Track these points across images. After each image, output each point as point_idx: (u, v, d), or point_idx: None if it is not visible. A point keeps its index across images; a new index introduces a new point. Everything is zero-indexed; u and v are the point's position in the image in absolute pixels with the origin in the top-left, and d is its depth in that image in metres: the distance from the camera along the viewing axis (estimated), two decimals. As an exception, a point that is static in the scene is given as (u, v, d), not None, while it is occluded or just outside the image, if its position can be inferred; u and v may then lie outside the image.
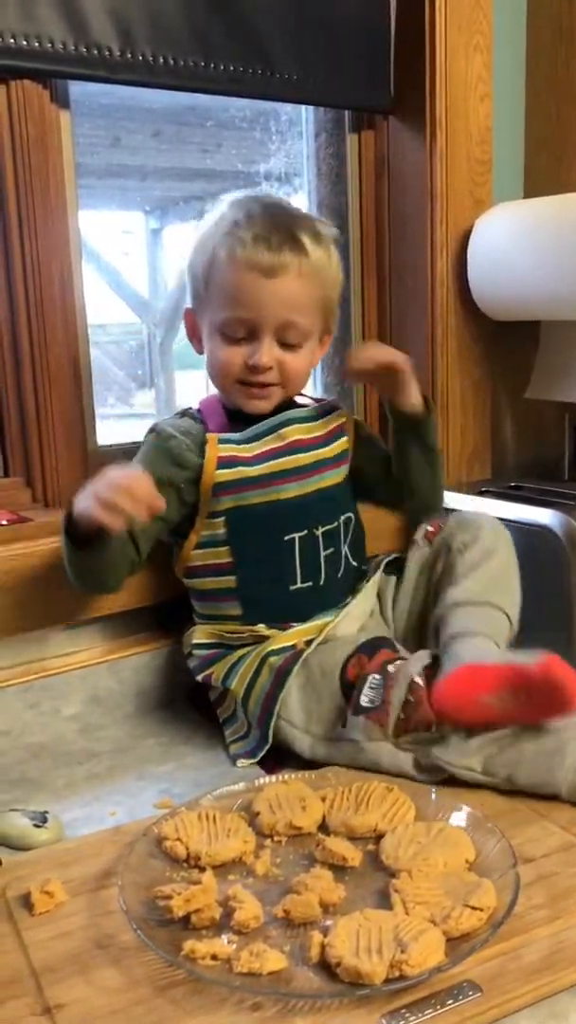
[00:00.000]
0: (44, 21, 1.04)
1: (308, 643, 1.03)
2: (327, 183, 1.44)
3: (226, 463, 1.05)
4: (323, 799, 0.89)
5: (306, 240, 1.02)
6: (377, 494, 1.17)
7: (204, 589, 1.10)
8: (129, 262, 2.03)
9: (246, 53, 1.19)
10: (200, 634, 1.10)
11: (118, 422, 1.67)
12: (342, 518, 1.11)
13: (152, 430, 1.09)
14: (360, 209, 1.43)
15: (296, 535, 1.06)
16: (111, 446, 1.25)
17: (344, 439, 1.13)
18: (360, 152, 1.41)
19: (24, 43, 1.04)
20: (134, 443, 1.19)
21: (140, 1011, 0.65)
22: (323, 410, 1.12)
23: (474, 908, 0.70)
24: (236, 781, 0.93)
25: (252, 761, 1.01)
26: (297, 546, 1.06)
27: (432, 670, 0.98)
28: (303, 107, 1.41)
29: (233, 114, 1.40)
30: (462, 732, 0.92)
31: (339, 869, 0.79)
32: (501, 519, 1.15)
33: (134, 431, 1.26)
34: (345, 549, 1.11)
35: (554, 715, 0.89)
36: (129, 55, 1.10)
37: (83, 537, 0.95)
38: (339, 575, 1.10)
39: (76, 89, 1.15)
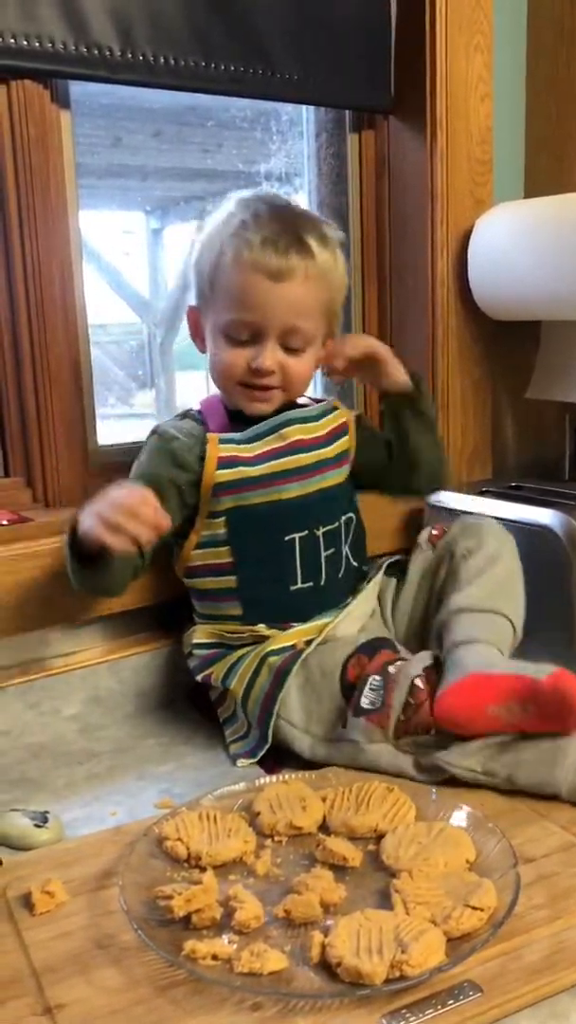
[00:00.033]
0: (45, 21, 1.04)
1: (308, 643, 1.03)
2: (328, 183, 1.44)
3: (227, 463, 1.05)
4: (324, 799, 0.89)
5: (313, 244, 1.02)
6: (385, 480, 1.17)
7: (204, 589, 1.10)
8: (130, 262, 2.03)
9: (247, 53, 1.19)
10: (200, 634, 1.10)
11: (118, 422, 1.67)
12: (343, 518, 1.11)
13: (154, 432, 1.09)
14: (361, 209, 1.43)
15: (297, 535, 1.06)
16: (111, 446, 1.25)
17: (345, 438, 1.13)
18: (361, 152, 1.41)
19: (25, 43, 1.04)
20: (134, 443, 1.19)
21: (140, 1011, 0.65)
22: (324, 410, 1.12)
23: (475, 908, 0.70)
24: (237, 781, 0.93)
25: (252, 761, 1.01)
26: (298, 546, 1.06)
27: (433, 671, 0.98)
28: (304, 107, 1.41)
29: (234, 114, 1.40)
30: None
31: (340, 869, 0.79)
32: (502, 519, 1.15)
33: (134, 431, 1.26)
34: (346, 549, 1.11)
35: (561, 728, 0.89)
36: (130, 55, 1.10)
37: (87, 554, 0.95)
38: (340, 575, 1.10)
39: (77, 89, 1.15)
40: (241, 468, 1.05)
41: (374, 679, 0.97)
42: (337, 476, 1.11)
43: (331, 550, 1.09)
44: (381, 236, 1.44)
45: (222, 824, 0.84)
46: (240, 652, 1.06)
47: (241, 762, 1.01)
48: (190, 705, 1.16)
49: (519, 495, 1.27)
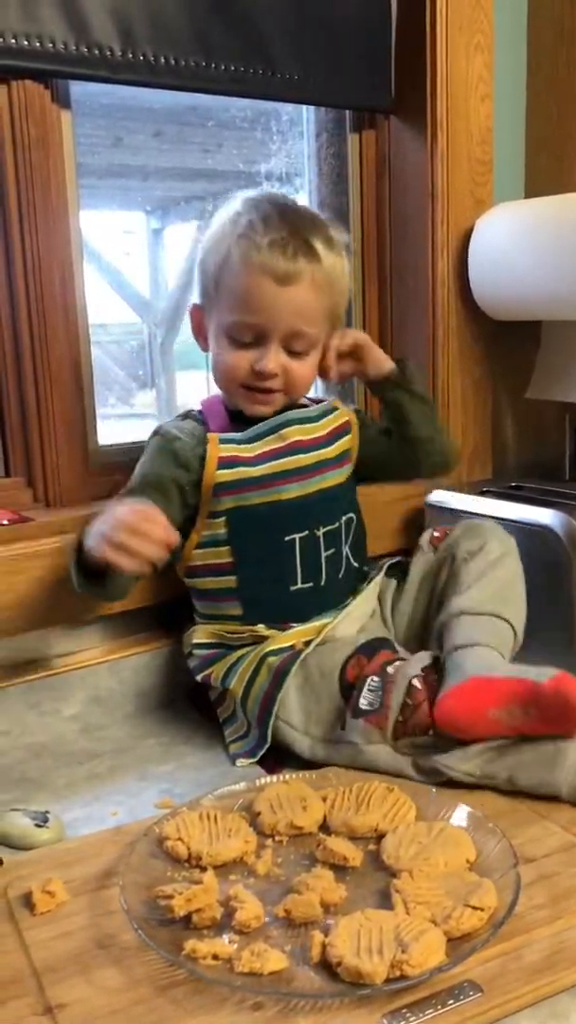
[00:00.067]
0: (45, 21, 1.04)
1: (307, 644, 1.03)
2: (328, 183, 1.44)
3: (227, 463, 1.05)
4: (324, 799, 0.89)
5: (320, 247, 1.02)
6: (392, 466, 1.17)
7: (204, 589, 1.10)
8: (130, 262, 2.03)
9: (247, 53, 1.19)
10: (200, 634, 1.10)
11: (119, 422, 1.67)
12: (343, 519, 1.11)
13: (156, 432, 1.09)
14: (361, 209, 1.43)
15: (297, 536, 1.06)
16: (112, 446, 1.25)
17: (348, 437, 1.13)
18: (361, 152, 1.41)
19: (25, 43, 1.04)
20: (135, 443, 1.19)
21: (141, 1011, 0.65)
22: (324, 411, 1.12)
23: (475, 908, 0.70)
24: (237, 781, 0.93)
25: (252, 761, 1.01)
26: (298, 547, 1.06)
27: (432, 671, 0.98)
28: (304, 107, 1.41)
29: (234, 114, 1.40)
30: None
31: (340, 869, 0.79)
32: (502, 519, 1.15)
33: (135, 431, 1.26)
34: (346, 550, 1.11)
35: (563, 731, 0.89)
36: (130, 55, 1.10)
37: (94, 569, 0.95)
38: (340, 576, 1.10)
39: (77, 89, 1.15)
40: (242, 468, 1.05)
41: (372, 680, 0.97)
42: (338, 476, 1.11)
43: (331, 550, 1.09)
44: (381, 236, 1.44)
45: (223, 824, 0.84)
46: (240, 652, 1.06)
47: (241, 762, 1.01)
48: (190, 705, 1.16)
49: (519, 495, 1.27)
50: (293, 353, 1.05)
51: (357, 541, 1.14)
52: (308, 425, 1.09)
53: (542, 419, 1.51)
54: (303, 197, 1.45)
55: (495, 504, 1.23)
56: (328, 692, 0.99)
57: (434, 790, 0.90)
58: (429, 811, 0.86)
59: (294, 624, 1.06)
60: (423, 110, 1.33)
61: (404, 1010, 0.64)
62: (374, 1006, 0.64)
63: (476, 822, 0.83)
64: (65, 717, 1.13)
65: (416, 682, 0.96)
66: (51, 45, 1.05)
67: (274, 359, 1.03)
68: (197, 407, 1.13)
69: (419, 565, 1.14)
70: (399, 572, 1.17)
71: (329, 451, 1.10)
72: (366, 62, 1.31)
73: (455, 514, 1.24)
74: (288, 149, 1.43)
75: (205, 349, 1.10)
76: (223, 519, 1.06)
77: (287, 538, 1.06)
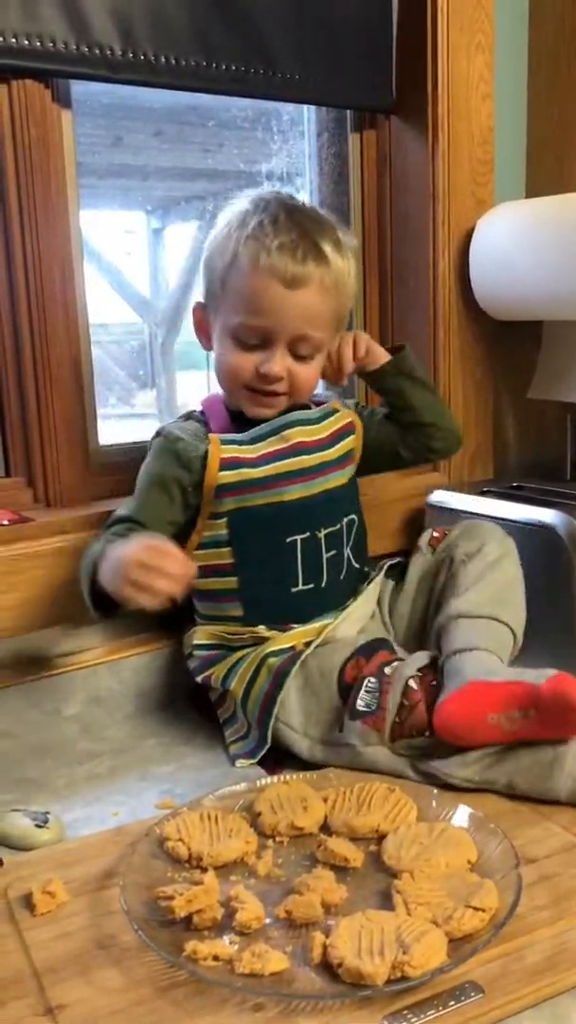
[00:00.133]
0: (46, 21, 1.04)
1: (307, 645, 1.03)
2: (329, 183, 1.44)
3: (229, 464, 1.04)
4: (325, 800, 0.88)
5: (329, 251, 1.02)
6: (402, 451, 1.17)
7: (205, 589, 1.09)
8: (131, 262, 2.03)
9: (248, 53, 1.19)
10: (201, 635, 1.10)
11: (119, 422, 1.67)
12: (345, 520, 1.10)
13: (158, 433, 1.09)
14: (362, 209, 1.43)
15: (299, 537, 1.06)
16: (112, 446, 1.25)
17: (351, 438, 1.13)
18: (362, 152, 1.41)
19: (26, 43, 1.04)
20: (135, 443, 1.19)
21: (141, 1012, 0.65)
22: (325, 412, 1.12)
23: (476, 909, 0.70)
24: (238, 781, 0.93)
25: (252, 761, 1.00)
26: (299, 548, 1.06)
27: (429, 671, 0.98)
28: (305, 107, 1.41)
29: (235, 114, 1.40)
30: None
31: (341, 870, 0.79)
32: (503, 519, 1.15)
33: (135, 431, 1.26)
34: (347, 551, 1.11)
35: (563, 734, 0.88)
36: (131, 55, 1.10)
37: (109, 602, 0.94)
38: (341, 577, 1.10)
39: (78, 89, 1.15)
40: (244, 470, 1.05)
41: (369, 681, 0.97)
42: (340, 478, 1.10)
43: (333, 552, 1.09)
44: (382, 236, 1.44)
45: (223, 824, 0.84)
46: (240, 653, 1.06)
47: (241, 763, 1.01)
48: (190, 706, 1.16)
49: (520, 495, 1.27)
50: (299, 356, 1.04)
51: (358, 542, 1.14)
52: (310, 427, 1.09)
53: (543, 419, 1.51)
54: (304, 197, 1.44)
55: (496, 504, 1.23)
56: (327, 693, 0.99)
57: (435, 791, 0.89)
58: (430, 812, 0.86)
59: (295, 625, 1.06)
60: (424, 110, 1.33)
61: (405, 1011, 0.63)
62: (375, 1007, 0.64)
63: (477, 823, 0.83)
64: (65, 717, 1.12)
65: (412, 683, 0.96)
66: (51, 45, 1.05)
67: (280, 362, 1.03)
68: (199, 407, 1.13)
69: (417, 566, 1.14)
70: (397, 573, 1.16)
71: (332, 452, 1.10)
72: (367, 62, 1.31)
73: (456, 514, 1.24)
74: (289, 149, 1.43)
75: (207, 348, 1.10)
76: (224, 520, 1.05)
77: (289, 539, 1.06)
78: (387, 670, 0.97)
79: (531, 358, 1.45)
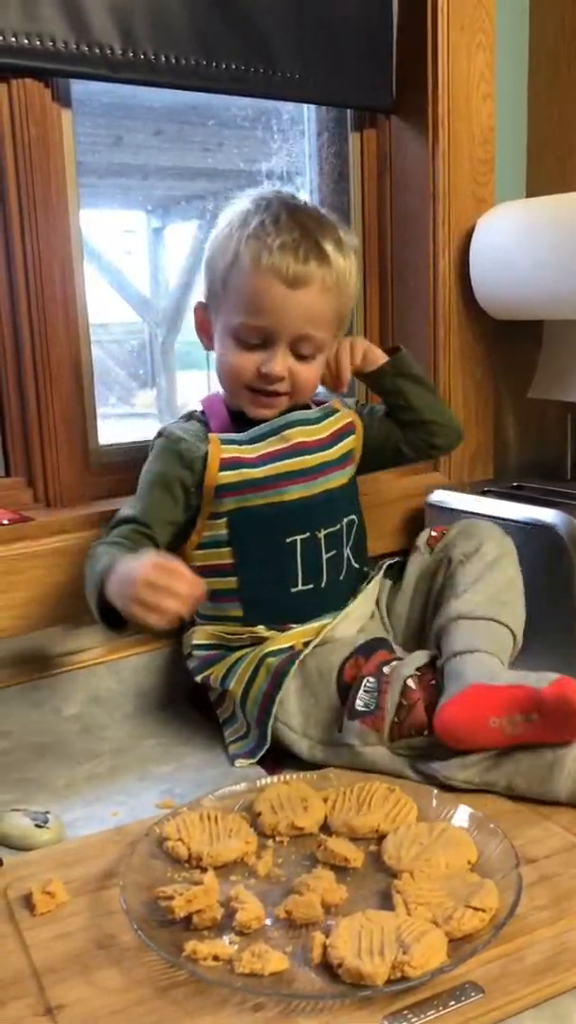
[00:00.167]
0: (46, 20, 1.04)
1: (306, 644, 1.03)
2: (329, 182, 1.44)
3: (229, 464, 1.04)
4: (325, 799, 0.88)
5: (330, 250, 1.01)
6: (404, 448, 1.17)
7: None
8: (131, 261, 2.03)
9: (248, 52, 1.19)
10: (200, 635, 1.09)
11: (119, 422, 1.67)
12: (345, 520, 1.10)
13: (160, 434, 1.09)
14: (362, 208, 1.43)
15: (298, 537, 1.06)
16: (112, 445, 1.25)
17: (352, 438, 1.13)
18: (362, 151, 1.41)
19: (26, 42, 1.03)
20: (135, 443, 1.19)
21: (141, 1012, 0.65)
22: (325, 413, 1.12)
23: (476, 909, 0.70)
24: (237, 781, 0.93)
25: (251, 761, 1.00)
26: (299, 548, 1.06)
27: (428, 670, 0.98)
28: (305, 106, 1.41)
29: (235, 113, 1.40)
30: None
31: (341, 870, 0.79)
32: (503, 519, 1.15)
33: (135, 431, 1.26)
34: (347, 551, 1.11)
35: (566, 738, 0.88)
36: (131, 54, 1.10)
37: (117, 617, 0.94)
38: (341, 577, 1.10)
39: (78, 88, 1.15)
40: (244, 470, 1.04)
41: (368, 680, 0.97)
42: (340, 478, 1.10)
43: (332, 552, 1.08)
44: (383, 235, 1.44)
45: (223, 824, 0.84)
46: (239, 653, 1.05)
47: (240, 762, 1.01)
48: (190, 705, 1.16)
49: (521, 495, 1.27)
50: (300, 356, 1.04)
51: (358, 542, 1.14)
52: (310, 427, 1.09)
53: (544, 419, 1.50)
54: (304, 196, 1.44)
55: (496, 504, 1.23)
56: (326, 693, 0.99)
57: (435, 791, 0.89)
58: (430, 812, 0.86)
59: (294, 625, 1.06)
60: (424, 109, 1.33)
61: (405, 1011, 0.63)
62: (375, 1007, 0.64)
63: (477, 823, 0.83)
64: (65, 717, 1.12)
65: (411, 682, 0.96)
66: (51, 44, 1.05)
67: (281, 362, 1.03)
68: (199, 407, 1.13)
69: (415, 565, 1.14)
70: (396, 572, 1.16)
71: (332, 453, 1.09)
72: (367, 61, 1.31)
73: (456, 514, 1.23)
74: (289, 148, 1.43)
75: (208, 348, 1.09)
76: (224, 520, 1.05)
77: (288, 540, 1.06)
78: (386, 670, 0.97)
79: (531, 358, 1.45)
